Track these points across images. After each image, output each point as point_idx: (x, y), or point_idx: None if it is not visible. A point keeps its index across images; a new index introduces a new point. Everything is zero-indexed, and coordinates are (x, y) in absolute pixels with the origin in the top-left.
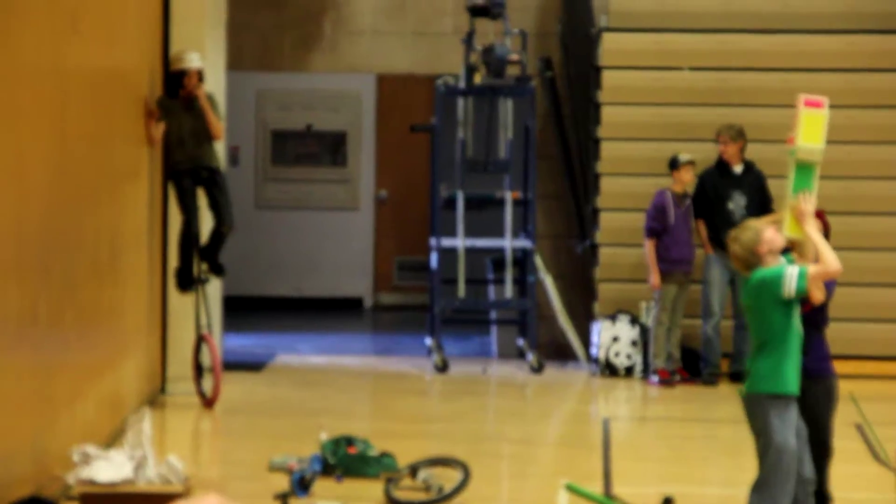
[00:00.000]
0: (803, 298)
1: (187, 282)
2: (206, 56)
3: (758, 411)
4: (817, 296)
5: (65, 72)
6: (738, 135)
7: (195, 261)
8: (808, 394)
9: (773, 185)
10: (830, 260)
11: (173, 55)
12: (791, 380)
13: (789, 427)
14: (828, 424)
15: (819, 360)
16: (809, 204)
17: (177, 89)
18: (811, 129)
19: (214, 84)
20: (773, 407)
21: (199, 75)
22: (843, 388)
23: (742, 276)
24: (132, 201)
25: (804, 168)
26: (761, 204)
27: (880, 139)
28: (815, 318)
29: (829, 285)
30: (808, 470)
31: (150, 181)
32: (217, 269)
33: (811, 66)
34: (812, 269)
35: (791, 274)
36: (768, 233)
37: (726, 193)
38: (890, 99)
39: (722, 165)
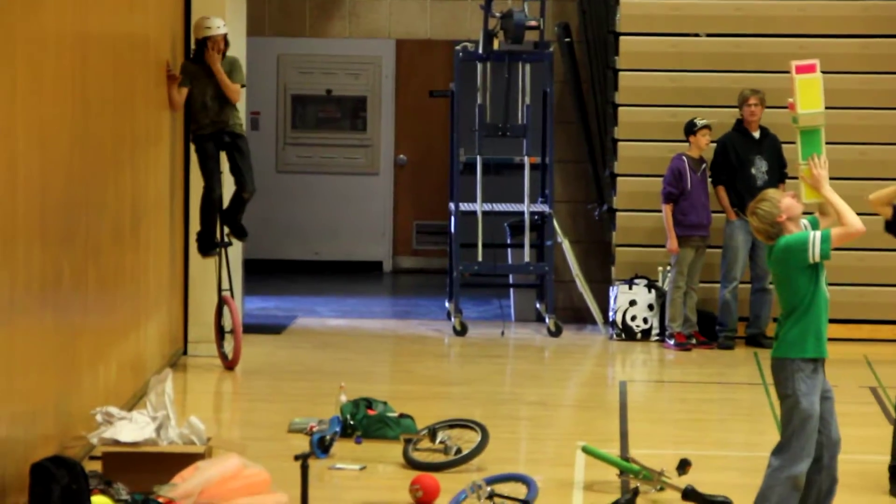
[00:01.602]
0: None
1: (209, 246)
2: (227, 22)
3: (785, 375)
4: None
5: (86, 37)
6: (764, 100)
7: (217, 225)
8: None
9: (786, 150)
10: (852, 220)
11: (197, 22)
12: (818, 344)
13: (815, 392)
14: None
15: None
16: (821, 167)
17: (201, 55)
18: (808, 95)
19: (236, 49)
20: (801, 371)
21: (225, 41)
22: (858, 351)
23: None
24: (154, 166)
25: (809, 133)
26: (780, 168)
27: (895, 104)
28: None
29: None
30: (836, 432)
31: (172, 146)
32: (239, 233)
33: (826, 31)
34: (834, 231)
35: (814, 239)
36: (785, 201)
37: (748, 158)
38: None
39: (742, 130)
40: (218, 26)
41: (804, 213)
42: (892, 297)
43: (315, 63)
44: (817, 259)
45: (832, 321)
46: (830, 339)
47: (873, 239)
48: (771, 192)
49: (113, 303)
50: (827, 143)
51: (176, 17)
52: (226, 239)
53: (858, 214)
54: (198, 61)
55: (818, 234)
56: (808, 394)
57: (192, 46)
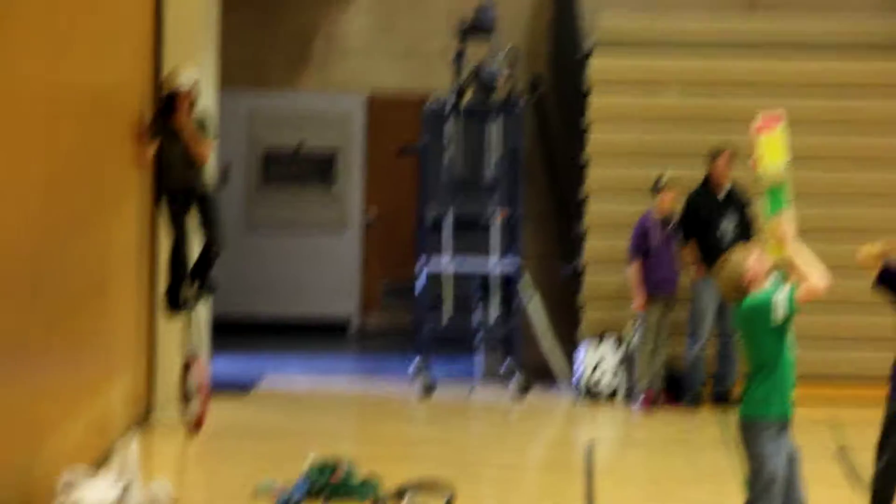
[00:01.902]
0: None
1: (175, 304)
2: (197, 74)
3: (750, 435)
4: None
5: (56, 91)
6: (733, 157)
7: (185, 282)
8: None
9: (754, 207)
10: (816, 277)
11: (165, 76)
12: (784, 404)
13: (781, 453)
14: None
15: None
16: (787, 224)
17: (170, 109)
18: (772, 150)
19: (206, 102)
20: (766, 431)
21: (192, 95)
22: (823, 413)
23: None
24: (122, 224)
25: (774, 189)
26: (746, 225)
27: (868, 164)
28: None
29: None
30: (801, 495)
31: (140, 203)
32: (208, 288)
33: (800, 87)
34: (801, 289)
35: (780, 298)
36: (750, 260)
37: (716, 216)
38: (878, 123)
39: (710, 187)
40: (186, 78)
41: (772, 270)
42: (860, 357)
43: (286, 117)
44: (782, 318)
45: (799, 381)
46: (797, 400)
47: (841, 298)
48: (736, 252)
49: (79, 363)
50: (799, 201)
51: (146, 72)
52: (192, 298)
53: (856, 275)
54: (167, 115)
55: (783, 293)
56: (773, 455)
57: (161, 100)
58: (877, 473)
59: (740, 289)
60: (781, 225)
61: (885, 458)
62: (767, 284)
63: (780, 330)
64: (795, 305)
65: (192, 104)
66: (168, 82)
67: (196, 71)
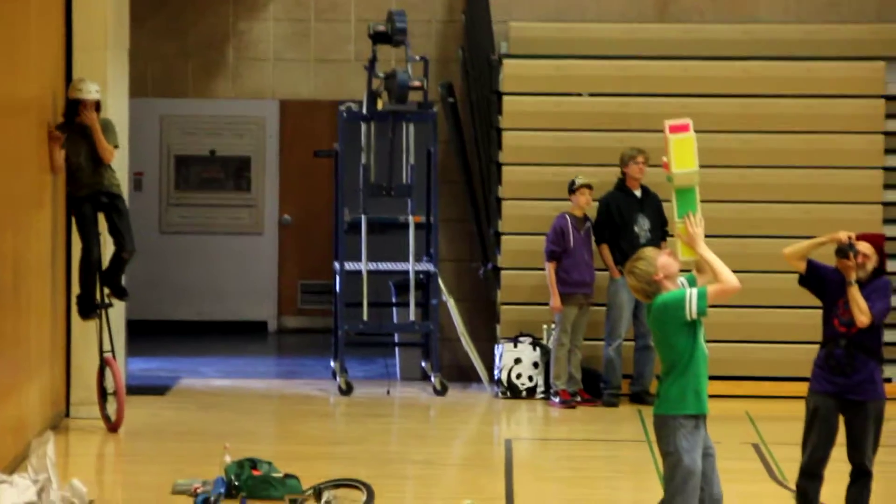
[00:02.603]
0: (850, 322)
1: (88, 308)
2: (109, 83)
3: (666, 432)
4: (861, 319)
5: None
6: (647, 159)
7: (97, 287)
8: (857, 418)
9: (667, 208)
10: (727, 277)
11: (72, 83)
12: (699, 401)
13: (697, 448)
14: (869, 448)
15: (868, 382)
16: (697, 225)
17: (73, 116)
18: (682, 154)
19: (118, 110)
20: (682, 427)
21: (97, 105)
22: (740, 407)
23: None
24: (35, 228)
25: (684, 192)
26: (662, 226)
27: (774, 163)
28: (863, 340)
29: (879, 309)
30: (718, 489)
31: (54, 208)
32: (119, 293)
33: (708, 91)
34: (711, 288)
35: (691, 296)
36: (661, 259)
37: (631, 217)
38: (783, 124)
39: (625, 189)
40: (90, 90)
41: (681, 271)
42: (773, 354)
43: (199, 123)
44: (694, 316)
45: (713, 378)
46: (712, 396)
47: (753, 296)
48: (647, 251)
49: None
50: (708, 201)
51: (58, 79)
52: (106, 300)
53: (769, 272)
54: (71, 122)
55: (695, 291)
56: (689, 450)
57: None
58: (802, 469)
59: (652, 285)
60: (691, 227)
61: (807, 453)
62: (677, 284)
63: (692, 327)
64: (707, 303)
65: (96, 111)
66: (72, 90)
67: (98, 87)
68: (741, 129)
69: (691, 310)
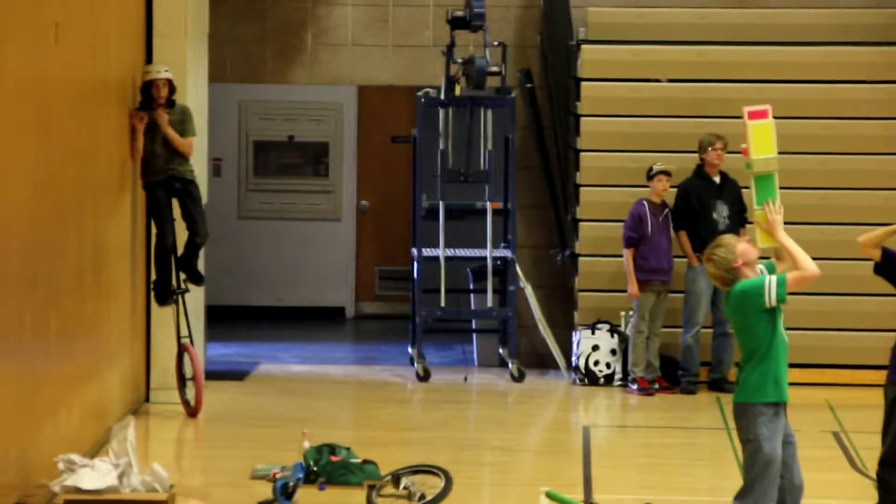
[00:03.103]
0: None
1: (165, 295)
2: (188, 68)
3: (746, 420)
4: None
5: (47, 84)
6: (726, 145)
7: (172, 272)
8: None
9: (745, 195)
10: (807, 265)
11: (143, 69)
12: (779, 388)
13: (777, 436)
14: None
15: None
16: (776, 212)
17: (148, 102)
18: (761, 141)
19: (197, 95)
20: (762, 415)
21: (170, 85)
22: (820, 396)
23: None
24: (116, 213)
25: (763, 179)
26: (740, 213)
27: (854, 149)
28: None
29: None
30: (798, 477)
31: (134, 193)
32: (195, 278)
33: (787, 77)
34: (790, 275)
35: (770, 283)
36: (741, 246)
37: (710, 203)
38: (863, 110)
39: (703, 175)
40: (158, 70)
41: (760, 258)
42: (853, 342)
43: (277, 109)
44: (773, 303)
45: (793, 366)
46: (791, 384)
47: (833, 283)
48: (727, 238)
49: (74, 350)
50: (787, 188)
51: (137, 65)
52: (182, 286)
53: (848, 259)
54: (146, 108)
55: (774, 278)
56: (770, 438)
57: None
58: (882, 458)
59: (731, 272)
60: (771, 214)
61: (888, 442)
62: (756, 271)
63: (772, 314)
64: (786, 290)
65: (164, 96)
66: (143, 73)
67: (166, 66)
68: (820, 115)
69: (770, 297)
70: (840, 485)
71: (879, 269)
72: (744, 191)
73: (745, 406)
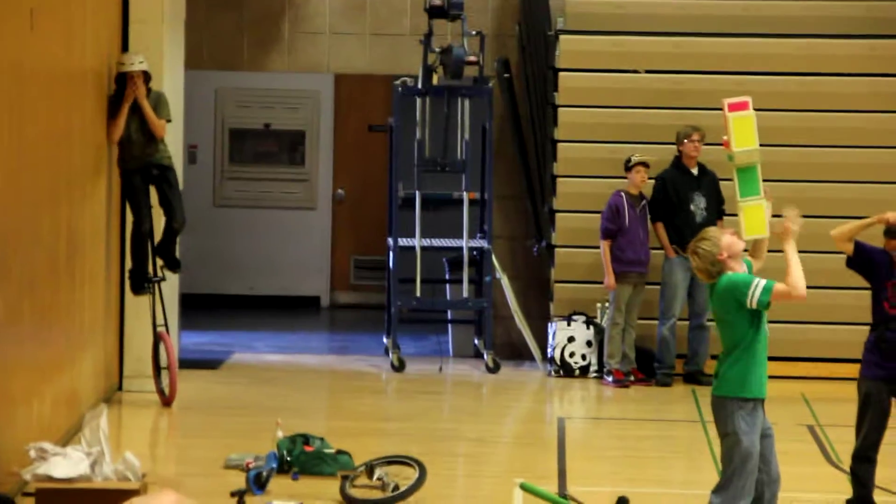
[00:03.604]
0: None
1: (140, 283)
2: (165, 54)
3: (725, 414)
4: None
5: (21, 69)
6: (704, 137)
7: (148, 260)
8: None
9: (724, 187)
10: (798, 283)
11: (118, 58)
12: (758, 384)
13: (756, 430)
14: None
15: None
16: (794, 222)
17: (122, 90)
18: (742, 133)
19: (173, 82)
20: (741, 409)
21: (145, 76)
22: (795, 389)
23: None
24: (90, 200)
25: (746, 171)
26: (718, 205)
27: (833, 142)
28: None
29: None
30: (776, 470)
31: (109, 179)
32: (172, 265)
33: (767, 69)
34: (778, 286)
35: (757, 285)
36: (725, 239)
37: (687, 195)
38: (843, 103)
39: (681, 167)
40: (132, 62)
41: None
42: (829, 335)
43: (253, 97)
44: (754, 306)
45: (769, 359)
46: (768, 377)
47: (808, 277)
48: (711, 231)
49: (48, 337)
50: (764, 180)
51: (114, 51)
52: (159, 273)
53: (823, 252)
54: (120, 96)
55: (762, 283)
56: (748, 432)
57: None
58: (855, 452)
59: (716, 265)
60: (787, 222)
61: (861, 436)
62: (742, 264)
63: (755, 311)
64: (769, 298)
65: (138, 88)
66: (119, 65)
67: (142, 57)
68: (799, 107)
69: (753, 298)
70: (815, 478)
71: (851, 262)
72: (726, 183)
73: (724, 400)
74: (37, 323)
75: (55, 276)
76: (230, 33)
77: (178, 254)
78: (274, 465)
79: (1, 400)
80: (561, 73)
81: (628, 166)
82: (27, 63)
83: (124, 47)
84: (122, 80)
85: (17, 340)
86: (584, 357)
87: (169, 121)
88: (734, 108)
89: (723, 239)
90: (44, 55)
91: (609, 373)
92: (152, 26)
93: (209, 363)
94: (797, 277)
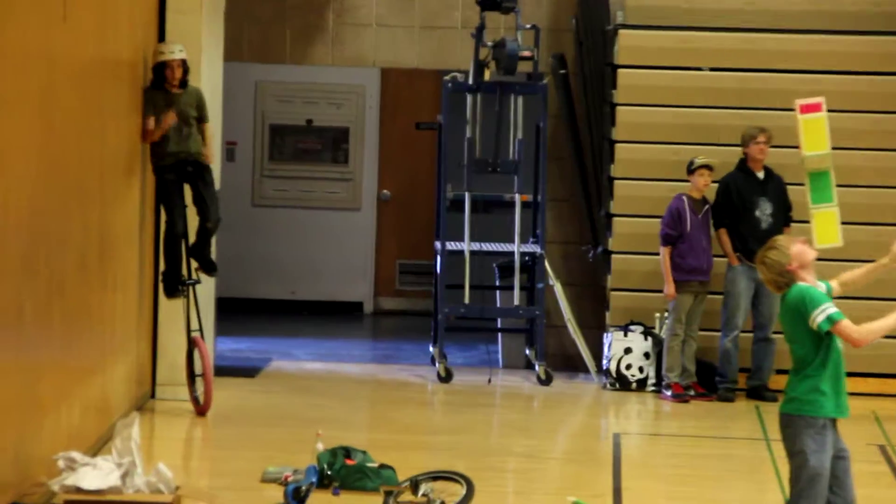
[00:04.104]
0: None
1: (174, 286)
2: (203, 46)
3: (793, 432)
4: None
5: (53, 60)
6: (771, 138)
7: (182, 262)
8: None
9: (792, 192)
10: (868, 337)
11: (156, 47)
12: (828, 403)
13: (825, 450)
14: None
15: None
16: (874, 270)
17: (160, 82)
18: (813, 136)
19: (212, 76)
20: (810, 427)
21: (184, 66)
22: (865, 406)
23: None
24: (123, 198)
25: (818, 176)
26: (785, 211)
27: None
28: None
29: None
30: (851, 495)
31: (143, 176)
32: (208, 267)
33: (840, 67)
34: (845, 325)
35: (825, 310)
36: (795, 247)
37: (752, 200)
38: None
39: (746, 170)
40: (172, 50)
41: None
42: None
43: (295, 91)
44: (813, 327)
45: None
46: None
47: (882, 288)
48: (780, 239)
49: (78, 341)
50: (839, 186)
51: (149, 43)
52: (194, 276)
53: (860, 261)
54: (158, 87)
55: (831, 310)
56: (817, 451)
57: (150, 75)
58: None
59: (785, 275)
60: (874, 271)
61: None
62: (814, 275)
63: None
64: (828, 327)
65: (178, 78)
66: (156, 54)
67: (181, 46)
68: (870, 108)
69: (815, 321)
70: (886, 501)
71: None
72: (794, 188)
73: (792, 417)
74: (66, 326)
75: (86, 277)
76: (272, 24)
77: (214, 255)
78: (314, 480)
79: (28, 406)
80: (620, 70)
81: (691, 169)
82: (59, 54)
83: (161, 38)
84: (160, 71)
85: (46, 344)
86: (641, 370)
87: (207, 121)
88: (806, 109)
89: (792, 247)
90: (76, 46)
91: (668, 386)
92: (191, 16)
93: (246, 371)
94: (874, 332)
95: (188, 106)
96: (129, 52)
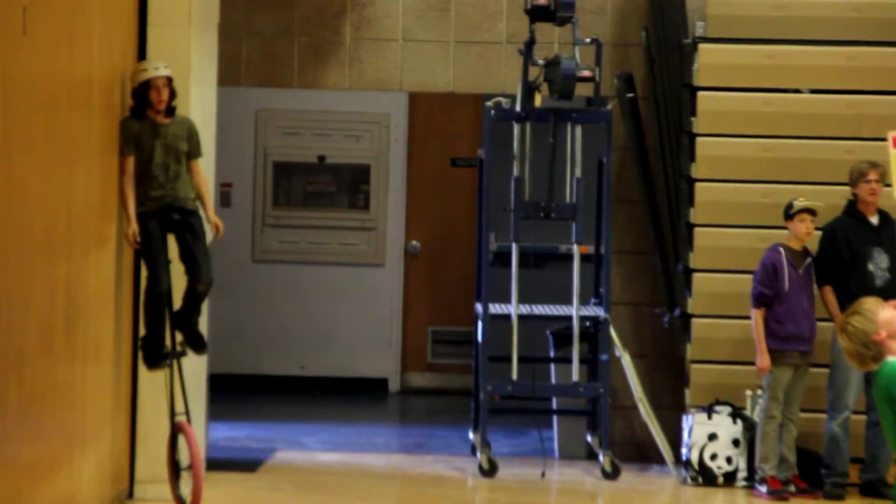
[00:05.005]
0: None
1: (157, 355)
2: (193, 67)
3: None
4: None
5: (10, 83)
6: (885, 175)
7: (166, 327)
8: None
9: None
10: None
11: (135, 67)
12: None
13: None
14: None
15: None
16: None
17: (142, 109)
18: None
19: (203, 102)
20: None
21: (170, 87)
22: None
23: None
24: (96, 251)
25: None
26: None
27: None
28: None
29: None
30: None
31: (119, 224)
32: (196, 343)
33: None
34: None
35: None
36: (885, 313)
37: (864, 251)
38: None
39: (856, 214)
40: (156, 67)
41: None
42: None
43: (305, 122)
44: None
45: None
46: None
47: None
48: (868, 302)
49: (39, 427)
50: None
51: (128, 61)
52: (178, 347)
53: None
54: (139, 116)
55: None
56: None
57: (130, 100)
58: None
59: (870, 347)
60: None
61: None
62: None
63: None
64: None
65: (164, 100)
66: (135, 75)
67: (165, 63)
68: None
69: None
70: None
71: None
72: None
73: None
74: (25, 410)
75: (49, 349)
76: (276, 40)
77: (204, 326)
78: None
79: None
80: (700, 93)
81: (789, 213)
82: (17, 75)
83: (141, 57)
84: (143, 95)
85: (0, 431)
86: (729, 460)
87: (201, 156)
88: None
89: (881, 313)
90: (38, 66)
91: (762, 481)
92: (177, 30)
93: (245, 464)
94: None
95: (177, 139)
96: (102, 71)
